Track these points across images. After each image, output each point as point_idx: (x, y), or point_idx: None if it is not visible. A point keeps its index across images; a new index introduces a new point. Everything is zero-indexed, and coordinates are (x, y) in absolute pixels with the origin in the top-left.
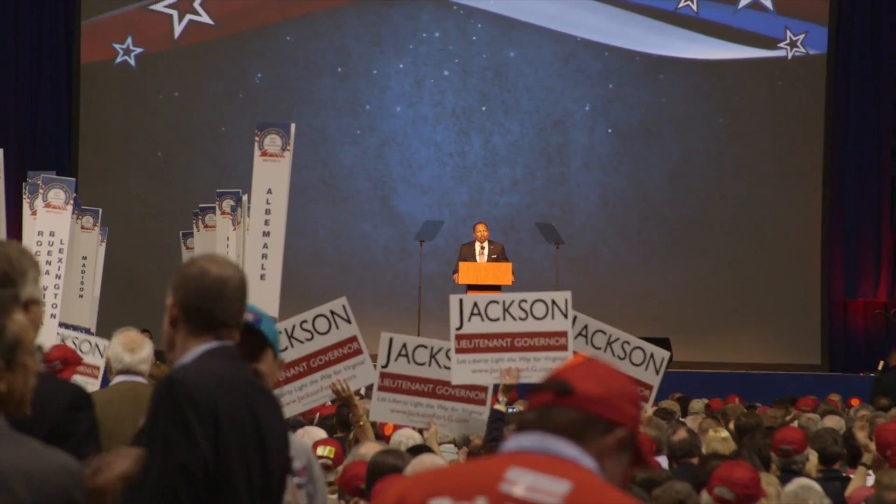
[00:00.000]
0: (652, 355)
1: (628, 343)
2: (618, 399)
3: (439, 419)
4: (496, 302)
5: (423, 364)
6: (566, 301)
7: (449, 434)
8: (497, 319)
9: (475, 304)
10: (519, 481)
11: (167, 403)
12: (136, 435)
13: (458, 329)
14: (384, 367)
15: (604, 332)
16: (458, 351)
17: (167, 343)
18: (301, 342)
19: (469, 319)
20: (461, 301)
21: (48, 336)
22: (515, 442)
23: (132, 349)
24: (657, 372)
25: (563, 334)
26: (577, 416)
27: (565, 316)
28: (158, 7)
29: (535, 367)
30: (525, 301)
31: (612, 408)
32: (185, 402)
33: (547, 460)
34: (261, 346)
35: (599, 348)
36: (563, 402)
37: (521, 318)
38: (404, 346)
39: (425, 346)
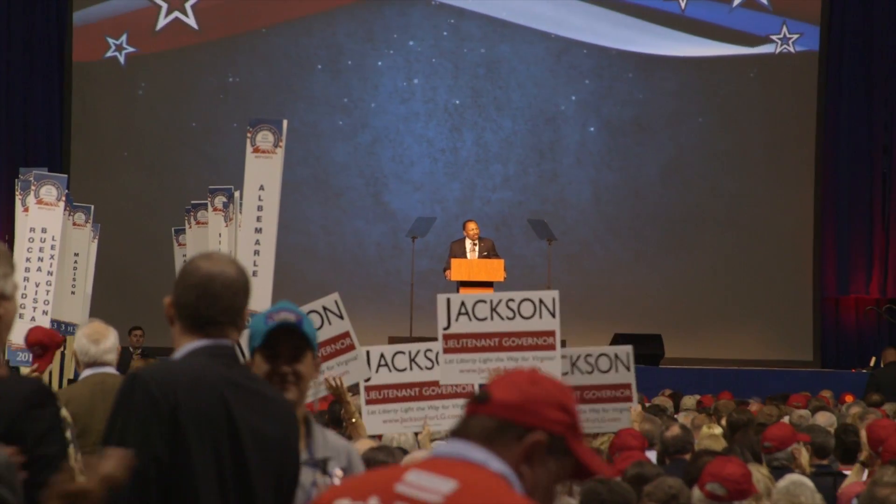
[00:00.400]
0: (616, 356)
1: (590, 355)
2: (536, 404)
3: (432, 419)
4: (484, 301)
5: (404, 370)
6: (554, 300)
7: (443, 431)
8: (485, 319)
9: (462, 304)
10: (411, 481)
11: (125, 401)
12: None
13: (445, 329)
14: (367, 380)
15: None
16: (446, 351)
17: (173, 341)
18: None
19: (457, 319)
20: (448, 300)
21: None
22: (434, 450)
23: (96, 340)
24: (628, 368)
25: (552, 334)
26: (490, 422)
27: (553, 315)
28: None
29: (524, 367)
30: (513, 300)
31: (527, 412)
32: (142, 399)
33: (449, 463)
34: (302, 348)
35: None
36: (481, 410)
37: (508, 318)
38: (382, 356)
39: (403, 352)
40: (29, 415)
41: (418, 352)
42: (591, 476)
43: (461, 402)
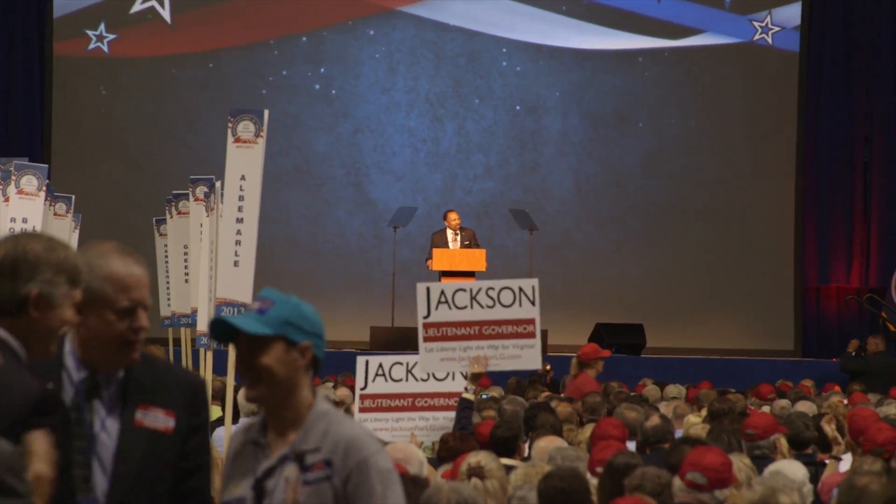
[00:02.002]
0: (521, 289)
1: (492, 288)
2: None
3: (420, 430)
4: (463, 290)
5: (400, 380)
6: (533, 288)
7: (427, 443)
8: (465, 307)
9: (442, 293)
10: None
11: None
12: None
13: (425, 317)
14: (363, 389)
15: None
16: (426, 339)
17: None
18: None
19: (436, 308)
20: (428, 289)
21: None
22: None
23: None
24: (532, 303)
25: (531, 321)
26: None
27: (533, 303)
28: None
29: (504, 355)
30: (492, 289)
31: None
32: None
33: None
34: (259, 340)
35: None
36: None
37: (488, 306)
38: (380, 365)
39: (401, 363)
40: (32, 423)
41: (415, 364)
42: None
43: (452, 414)
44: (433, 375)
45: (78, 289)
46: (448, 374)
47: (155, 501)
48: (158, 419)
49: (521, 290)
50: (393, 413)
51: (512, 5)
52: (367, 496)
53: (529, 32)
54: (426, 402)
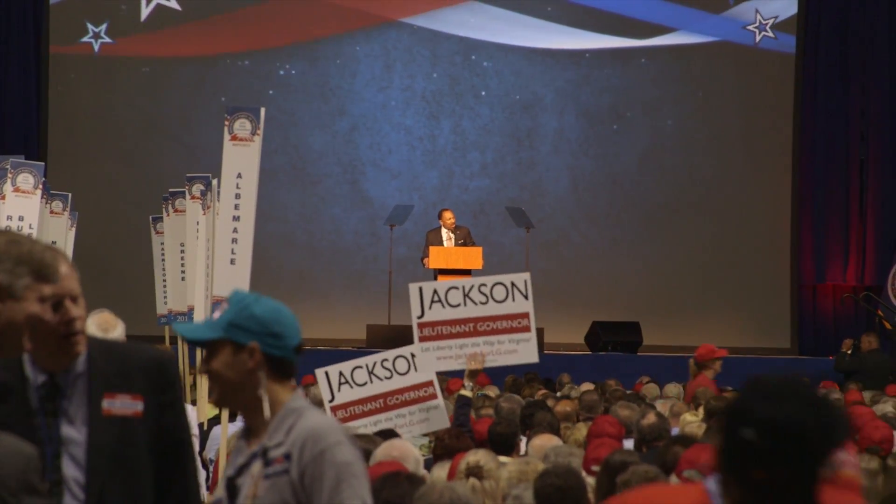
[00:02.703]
0: (513, 283)
1: (485, 284)
2: None
3: (401, 427)
4: (456, 288)
5: (364, 384)
6: (525, 282)
7: (415, 439)
8: (458, 305)
9: (435, 292)
10: None
11: None
12: None
13: (419, 317)
14: (331, 401)
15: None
16: (422, 339)
17: None
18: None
19: (430, 307)
20: (420, 289)
21: None
22: None
23: (105, 329)
24: (525, 297)
25: (526, 315)
26: None
27: (525, 297)
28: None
29: (500, 350)
30: (485, 285)
31: None
32: None
33: None
34: (211, 345)
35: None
36: None
37: (482, 303)
38: (341, 373)
39: (361, 366)
40: (18, 497)
41: (374, 363)
42: None
43: (427, 404)
44: (395, 370)
45: (46, 284)
46: (410, 368)
47: (137, 488)
48: (126, 405)
49: (513, 284)
50: (369, 417)
51: (506, 14)
52: (320, 489)
53: (525, 30)
54: (397, 398)
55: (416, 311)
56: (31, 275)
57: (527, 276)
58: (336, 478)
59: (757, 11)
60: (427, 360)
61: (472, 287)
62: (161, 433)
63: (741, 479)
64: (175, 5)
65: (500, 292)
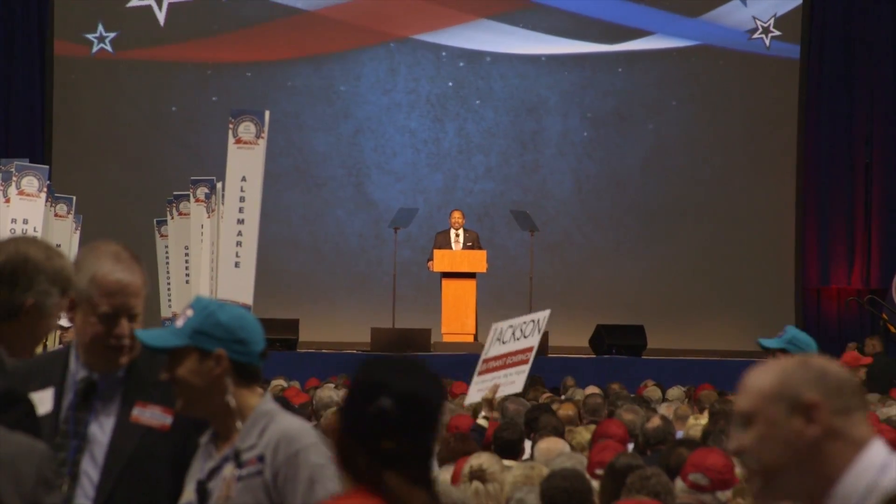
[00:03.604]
0: (537, 321)
1: (512, 325)
2: None
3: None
4: (512, 326)
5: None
6: (544, 319)
7: None
8: (507, 342)
9: (500, 331)
10: None
11: None
12: None
13: (486, 355)
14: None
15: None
16: (479, 373)
17: None
18: None
19: (492, 345)
20: (499, 330)
21: None
22: None
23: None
24: (539, 331)
25: (531, 349)
26: None
27: (539, 332)
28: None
29: (505, 382)
30: (527, 323)
31: None
32: None
33: None
34: (174, 353)
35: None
36: None
37: (516, 339)
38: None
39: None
40: (36, 493)
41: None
42: None
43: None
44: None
45: (68, 297)
46: None
47: (150, 497)
48: (155, 416)
49: (537, 321)
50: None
51: (513, 29)
52: (294, 490)
53: (529, 32)
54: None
55: (486, 349)
56: (60, 292)
57: (547, 313)
58: (309, 479)
59: (765, 15)
60: (474, 394)
61: (524, 323)
62: (188, 452)
63: (370, 449)
64: (184, 20)
65: (528, 329)
